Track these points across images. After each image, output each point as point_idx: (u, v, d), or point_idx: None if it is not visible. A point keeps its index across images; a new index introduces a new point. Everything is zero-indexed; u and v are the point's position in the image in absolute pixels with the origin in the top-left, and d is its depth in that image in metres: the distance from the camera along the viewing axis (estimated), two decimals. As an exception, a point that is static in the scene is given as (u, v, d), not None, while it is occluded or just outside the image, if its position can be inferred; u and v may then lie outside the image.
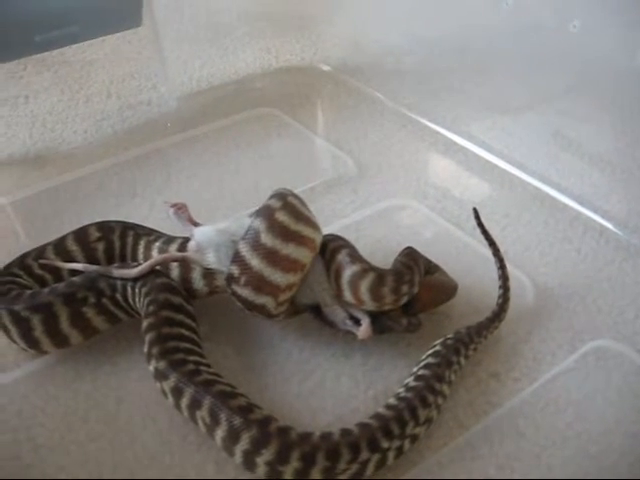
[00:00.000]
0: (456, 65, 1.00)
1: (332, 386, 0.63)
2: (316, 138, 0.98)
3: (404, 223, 0.82)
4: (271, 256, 0.59)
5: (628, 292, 0.73)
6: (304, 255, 0.61)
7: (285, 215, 0.60)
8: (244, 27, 1.16)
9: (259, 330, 0.68)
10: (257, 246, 0.59)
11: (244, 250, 0.60)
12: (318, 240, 0.63)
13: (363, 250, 0.66)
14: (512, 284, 0.68)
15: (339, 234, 0.67)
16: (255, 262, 0.59)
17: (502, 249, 0.69)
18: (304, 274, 0.62)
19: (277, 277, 0.59)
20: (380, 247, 0.76)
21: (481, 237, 0.69)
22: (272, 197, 0.62)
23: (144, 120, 0.99)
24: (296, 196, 0.63)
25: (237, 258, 0.60)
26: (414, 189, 0.87)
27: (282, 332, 0.68)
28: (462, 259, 0.76)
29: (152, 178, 0.88)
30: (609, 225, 0.81)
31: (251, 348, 0.66)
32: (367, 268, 0.61)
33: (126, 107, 1.01)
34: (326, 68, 1.12)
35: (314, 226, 0.63)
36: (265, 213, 0.61)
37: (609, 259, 0.77)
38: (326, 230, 0.68)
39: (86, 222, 0.72)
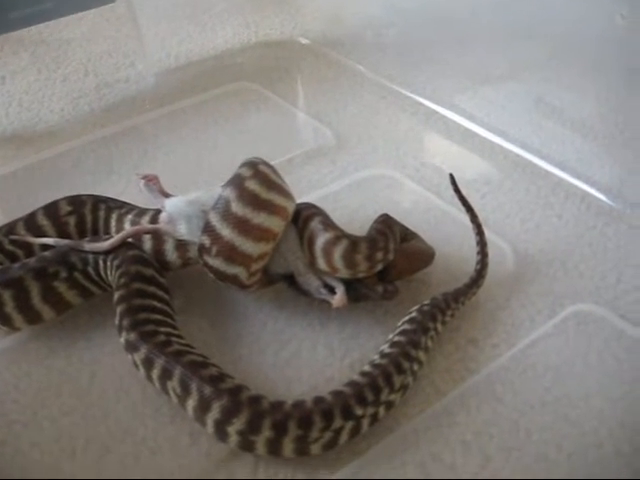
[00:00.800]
0: (436, 36, 0.99)
1: (308, 355, 0.62)
2: (296, 111, 0.97)
3: (382, 193, 0.81)
4: (242, 225, 0.58)
5: (610, 257, 0.72)
6: (276, 224, 0.60)
7: (256, 184, 0.59)
8: (222, 3, 1.15)
9: (234, 302, 0.67)
10: (227, 215, 0.58)
11: (214, 220, 0.59)
12: (290, 208, 0.62)
13: (340, 220, 0.65)
14: (492, 251, 0.67)
15: (317, 204, 0.66)
16: (226, 232, 0.58)
17: (483, 217, 0.68)
18: (276, 243, 0.61)
19: (248, 246, 0.59)
20: (358, 217, 0.75)
21: (461, 205, 0.68)
22: (242, 166, 0.61)
23: (121, 97, 0.98)
24: (267, 164, 0.62)
25: (208, 228, 0.59)
26: (393, 159, 0.86)
27: (257, 303, 0.67)
28: (441, 227, 0.75)
29: (129, 155, 0.88)
30: (591, 191, 0.80)
31: (226, 320, 0.66)
32: (340, 235, 0.60)
33: (103, 85, 1.00)
34: (305, 41, 1.11)
35: (286, 194, 0.62)
36: (235, 182, 0.60)
37: (591, 224, 0.76)
38: (304, 201, 0.67)
39: (62, 200, 0.71)
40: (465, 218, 0.68)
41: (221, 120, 0.93)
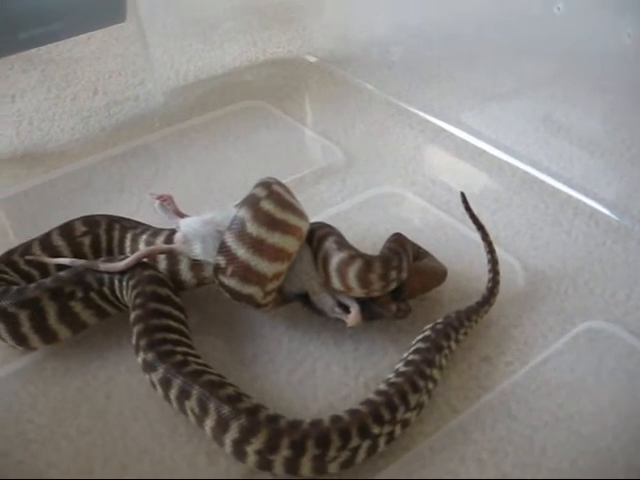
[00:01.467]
0: (443, 54, 1.00)
1: (323, 374, 0.63)
2: (304, 129, 0.97)
3: (393, 211, 0.81)
4: (257, 245, 0.59)
5: (619, 273, 0.73)
6: (290, 244, 0.60)
7: (270, 204, 0.60)
8: (230, 21, 1.16)
9: (249, 320, 0.67)
10: (243, 236, 0.59)
11: (230, 240, 0.59)
12: (304, 228, 0.62)
13: (352, 239, 0.65)
14: (503, 268, 0.68)
15: (328, 223, 0.67)
16: (241, 252, 0.59)
17: (492, 234, 0.69)
18: (291, 263, 0.61)
19: (264, 266, 0.59)
20: (369, 235, 0.76)
21: (471, 223, 0.69)
22: (257, 186, 0.62)
23: (131, 116, 0.99)
24: (281, 184, 0.63)
25: (223, 248, 0.60)
26: (402, 177, 0.87)
27: (272, 322, 0.67)
28: (452, 245, 0.75)
29: (140, 173, 0.88)
30: (599, 207, 0.80)
31: (241, 339, 0.66)
32: (355, 255, 0.61)
33: (113, 103, 1.01)
34: (313, 59, 1.11)
35: (300, 214, 0.62)
36: (250, 202, 0.60)
37: (600, 241, 0.77)
38: (315, 220, 0.68)
39: (74, 219, 0.72)
40: (475, 235, 0.69)
41: (231, 138, 0.94)
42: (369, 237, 0.75)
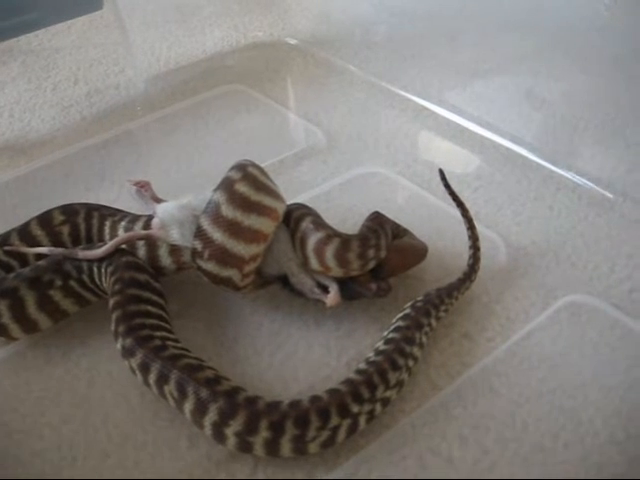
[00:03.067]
0: (425, 32, 1.00)
1: (304, 355, 0.63)
2: (286, 112, 0.97)
3: (375, 191, 0.81)
4: (233, 228, 0.59)
5: (602, 247, 0.73)
6: (266, 225, 0.60)
7: (245, 186, 0.60)
8: (210, 6, 1.15)
9: (229, 304, 0.67)
10: (218, 219, 0.59)
11: (206, 224, 0.59)
12: (281, 209, 0.62)
13: (333, 219, 0.65)
14: (485, 245, 0.68)
15: (309, 204, 0.67)
16: (217, 235, 0.59)
17: (474, 211, 0.69)
18: (268, 244, 0.61)
19: (240, 249, 0.59)
20: (351, 215, 0.76)
21: (452, 200, 0.68)
22: (232, 169, 0.62)
23: (112, 104, 0.98)
24: (257, 166, 0.63)
25: (199, 232, 0.60)
26: (384, 156, 0.86)
27: (252, 305, 0.67)
28: (434, 223, 0.75)
29: (121, 161, 0.88)
30: (582, 181, 0.80)
31: (222, 323, 0.66)
32: (332, 234, 0.61)
33: (94, 92, 1.00)
34: (294, 42, 1.11)
35: (276, 195, 0.62)
36: (225, 185, 0.60)
37: (582, 215, 0.76)
38: (297, 201, 0.68)
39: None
40: (457, 213, 0.69)
41: (212, 123, 0.94)
42: (351, 217, 0.75)
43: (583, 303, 0.66)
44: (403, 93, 0.96)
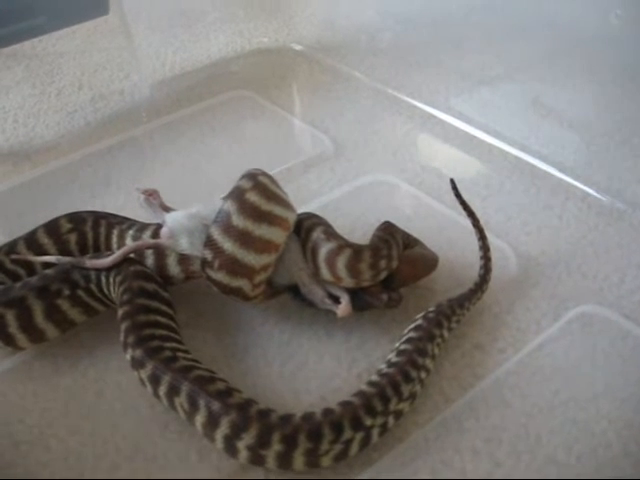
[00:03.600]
0: (431, 39, 0.99)
1: (315, 366, 0.62)
2: (292, 119, 0.96)
3: (383, 199, 0.81)
4: (243, 238, 0.58)
5: (612, 256, 0.72)
6: (277, 235, 0.60)
7: (256, 195, 0.59)
8: (215, 12, 1.15)
9: (239, 314, 0.67)
10: (228, 228, 0.58)
11: (216, 233, 0.59)
12: (291, 219, 0.61)
13: (342, 228, 0.65)
14: (495, 255, 0.67)
15: (317, 213, 0.66)
16: (228, 245, 0.58)
17: (484, 220, 0.68)
18: (278, 254, 0.61)
19: (251, 259, 0.58)
20: (359, 224, 0.75)
21: (462, 209, 0.68)
22: (242, 178, 0.61)
23: (117, 110, 0.98)
24: (267, 175, 0.62)
25: (209, 242, 0.59)
26: (392, 165, 0.86)
27: (263, 315, 0.67)
28: (443, 232, 0.75)
29: (127, 167, 0.87)
30: (591, 191, 0.80)
31: (232, 333, 0.65)
32: (343, 244, 0.60)
33: (98, 97, 1.00)
34: (300, 48, 1.10)
35: (287, 205, 0.61)
36: (235, 194, 0.59)
37: (592, 225, 0.76)
38: (304, 209, 0.67)
39: (61, 215, 0.71)
40: (467, 222, 0.68)
41: (218, 129, 0.93)
42: (359, 226, 0.75)
43: (594, 314, 0.66)
44: (410, 100, 0.96)
